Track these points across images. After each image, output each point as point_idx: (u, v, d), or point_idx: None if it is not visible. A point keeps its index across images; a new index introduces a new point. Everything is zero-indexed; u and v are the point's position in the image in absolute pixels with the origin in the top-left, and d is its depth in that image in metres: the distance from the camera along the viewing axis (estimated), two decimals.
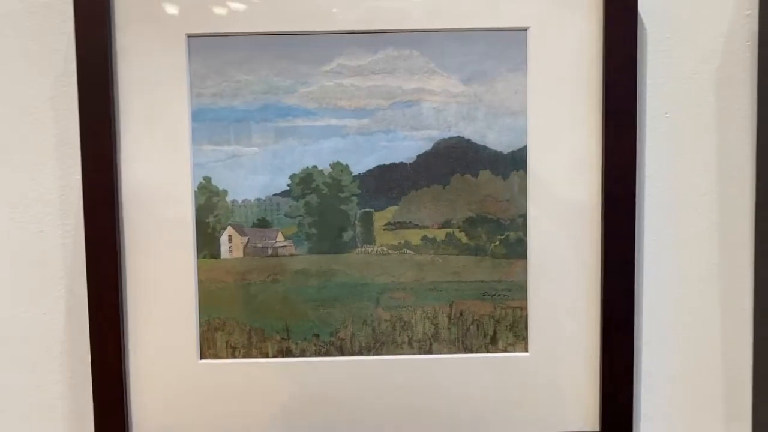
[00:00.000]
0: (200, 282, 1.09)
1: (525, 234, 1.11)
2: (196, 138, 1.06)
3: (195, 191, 1.08)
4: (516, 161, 1.09)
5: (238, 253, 1.13)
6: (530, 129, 1.07)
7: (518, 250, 1.10)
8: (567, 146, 1.12)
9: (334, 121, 1.07)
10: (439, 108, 1.07)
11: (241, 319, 1.09)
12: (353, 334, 1.10)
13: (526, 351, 1.10)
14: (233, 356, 1.10)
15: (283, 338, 1.11)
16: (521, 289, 1.10)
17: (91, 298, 1.07)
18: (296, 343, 1.10)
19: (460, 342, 1.12)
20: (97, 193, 1.07)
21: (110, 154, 1.06)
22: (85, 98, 1.05)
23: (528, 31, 1.06)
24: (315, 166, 1.07)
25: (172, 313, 1.10)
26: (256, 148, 1.10)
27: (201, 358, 1.10)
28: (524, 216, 1.09)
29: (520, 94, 1.07)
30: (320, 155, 1.06)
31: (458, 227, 1.10)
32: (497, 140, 1.11)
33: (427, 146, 1.08)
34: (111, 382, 1.09)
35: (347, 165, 1.07)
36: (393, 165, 1.07)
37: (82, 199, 1.05)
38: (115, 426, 1.13)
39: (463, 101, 1.09)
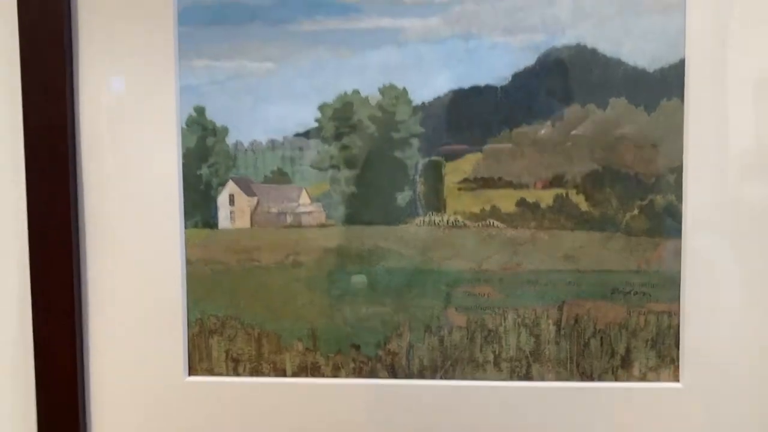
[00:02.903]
0: (189, 263, 0.75)
1: (679, 199, 0.71)
2: (184, 49, 0.76)
3: (182, 129, 0.73)
4: (667, 84, 0.70)
5: (244, 222, 0.76)
6: (691, 33, 0.69)
7: (668, 223, 0.71)
8: (755, 60, 0.70)
9: (385, 22, 0.72)
10: None
11: (248, 319, 0.75)
12: (411, 346, 0.76)
13: (677, 381, 0.75)
14: (235, 373, 0.79)
15: (307, 349, 0.75)
16: (671, 284, 0.74)
17: (35, 288, 0.79)
18: (326, 357, 0.74)
19: (574, 364, 0.73)
20: (42, 132, 0.77)
21: (61, 75, 0.76)
22: None
23: None
24: (357, 92, 0.71)
25: (148, 309, 0.80)
26: (270, 64, 0.73)
27: (189, 374, 0.81)
28: (678, 170, 0.70)
29: None
30: (365, 75, 0.73)
31: (575, 187, 0.72)
32: (638, 51, 0.72)
33: (528, 60, 0.73)
34: (62, 407, 0.80)
35: (404, 90, 0.72)
36: (475, 89, 0.74)
37: (23, 141, 0.70)
38: None
39: None
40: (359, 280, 0.78)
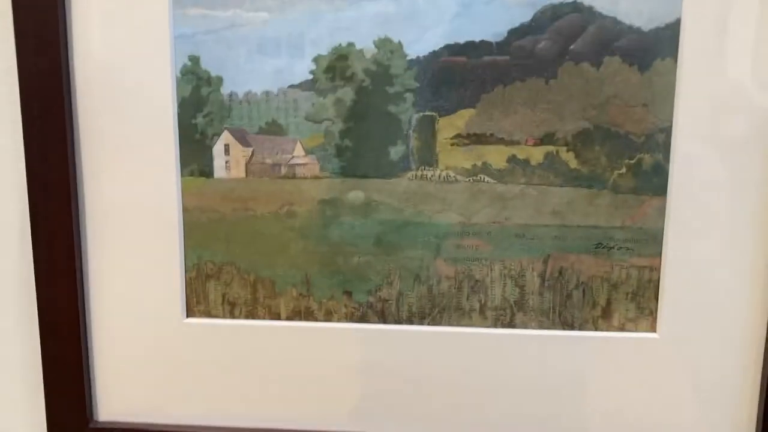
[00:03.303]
0: (185, 211, 0.76)
1: (667, 158, 0.73)
2: None
3: (177, 78, 0.73)
4: (662, 43, 0.70)
5: (239, 171, 0.77)
6: None
7: (655, 181, 0.72)
8: (751, 23, 0.70)
9: None
10: None
11: (243, 265, 0.77)
12: (400, 293, 0.77)
13: (654, 331, 0.79)
14: (231, 316, 0.81)
15: (301, 294, 0.77)
16: (654, 240, 0.75)
17: (35, 231, 0.81)
18: (319, 303, 0.76)
19: (557, 314, 0.76)
20: (35, 82, 0.77)
21: (53, 25, 0.76)
22: None
23: None
24: (351, 44, 0.72)
25: (146, 254, 0.83)
26: (265, 14, 0.73)
27: (187, 316, 0.84)
28: (667, 131, 0.72)
29: None
30: (360, 27, 0.72)
31: (565, 144, 0.73)
32: (634, 10, 0.71)
33: (523, 15, 0.73)
34: (66, 348, 0.84)
35: (399, 43, 0.72)
36: (470, 44, 0.73)
37: (19, 92, 0.70)
38: (72, 408, 0.83)
39: None
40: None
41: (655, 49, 0.73)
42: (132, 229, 0.81)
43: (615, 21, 0.73)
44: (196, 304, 0.83)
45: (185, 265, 0.82)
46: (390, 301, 0.81)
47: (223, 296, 0.83)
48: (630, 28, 0.73)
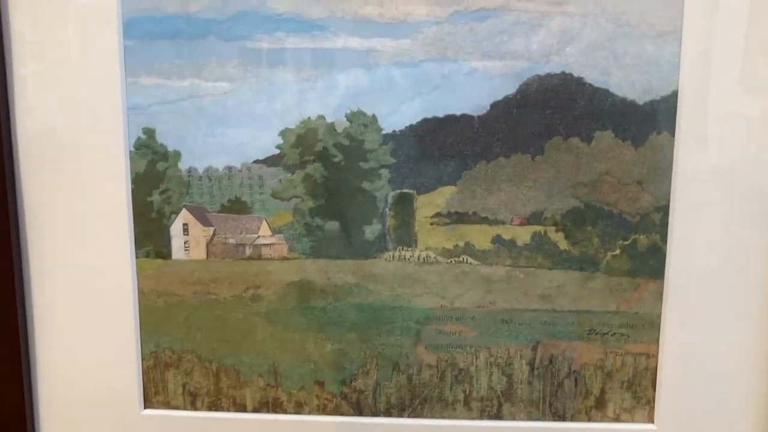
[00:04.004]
0: (141, 294, 0.69)
1: (664, 239, 0.67)
2: (131, 65, 0.65)
3: (130, 152, 0.66)
4: (657, 117, 0.65)
5: (199, 252, 0.71)
6: (685, 62, 0.64)
7: (651, 264, 0.67)
8: (753, 96, 0.65)
9: (354, 42, 0.64)
10: (532, 22, 0.62)
11: (205, 353, 0.70)
12: (378, 384, 0.72)
13: (652, 422, 0.73)
14: (193, 407, 0.75)
15: (268, 384, 0.71)
16: (651, 326, 0.70)
17: None
18: (289, 394, 0.71)
19: (547, 404, 0.71)
20: None
21: None
22: None
23: None
24: (322, 117, 0.64)
25: (99, 341, 0.75)
26: (225, 84, 0.66)
27: (145, 407, 0.76)
28: (664, 209, 0.66)
29: (673, 2, 0.66)
30: (331, 98, 0.65)
31: (554, 224, 0.67)
32: (627, 81, 0.66)
33: (508, 87, 0.66)
34: None
35: (374, 116, 0.65)
36: (450, 118, 0.67)
37: None
38: None
39: (574, 12, 0.64)
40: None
41: (651, 123, 0.68)
42: (83, 314, 0.74)
43: (607, 93, 0.67)
44: (154, 394, 0.76)
45: (142, 352, 0.75)
46: (366, 392, 0.75)
47: (184, 386, 0.76)
48: (623, 100, 0.67)
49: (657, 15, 0.66)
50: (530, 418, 0.74)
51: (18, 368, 0.74)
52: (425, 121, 0.69)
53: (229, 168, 0.71)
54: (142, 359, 0.76)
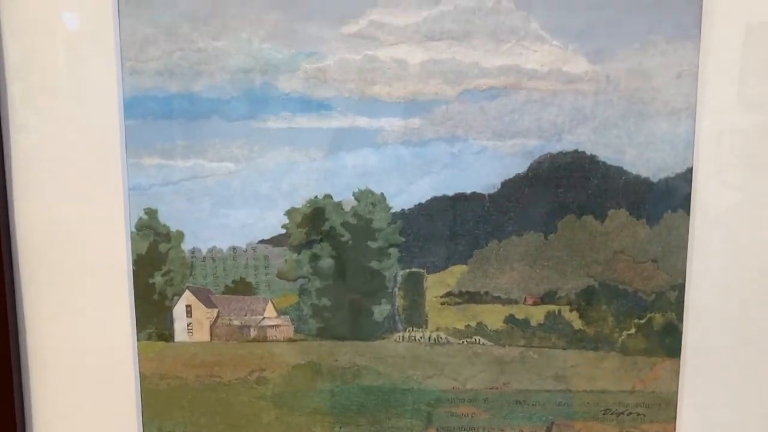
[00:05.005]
0: (143, 378, 0.68)
1: (680, 317, 0.65)
2: (132, 145, 0.64)
3: (132, 233, 0.64)
4: (672, 195, 0.62)
5: (203, 335, 0.69)
6: (700, 141, 0.61)
7: (667, 342, 0.66)
8: (762, 172, 0.64)
9: (361, 121, 0.62)
10: (543, 100, 0.61)
11: None
12: None
13: None
14: None
15: None
16: (667, 405, 0.69)
17: None
18: None
19: None
20: None
21: None
22: None
23: None
24: (329, 196, 0.61)
25: (100, 426, 0.72)
26: (230, 164, 0.64)
27: None
28: (680, 288, 0.64)
29: (687, 80, 0.62)
30: (338, 178, 0.63)
31: (568, 303, 0.65)
32: (642, 159, 0.64)
33: (519, 166, 0.65)
34: None
35: (383, 195, 0.62)
36: (460, 196, 0.66)
37: None
38: None
39: (586, 90, 0.62)
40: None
41: (665, 200, 0.66)
42: (84, 399, 0.72)
43: (620, 171, 0.66)
44: None
45: None
46: None
47: None
48: (637, 178, 0.66)
49: (670, 92, 0.65)
50: None
51: None
52: (435, 199, 0.67)
53: (234, 248, 0.69)
54: None
